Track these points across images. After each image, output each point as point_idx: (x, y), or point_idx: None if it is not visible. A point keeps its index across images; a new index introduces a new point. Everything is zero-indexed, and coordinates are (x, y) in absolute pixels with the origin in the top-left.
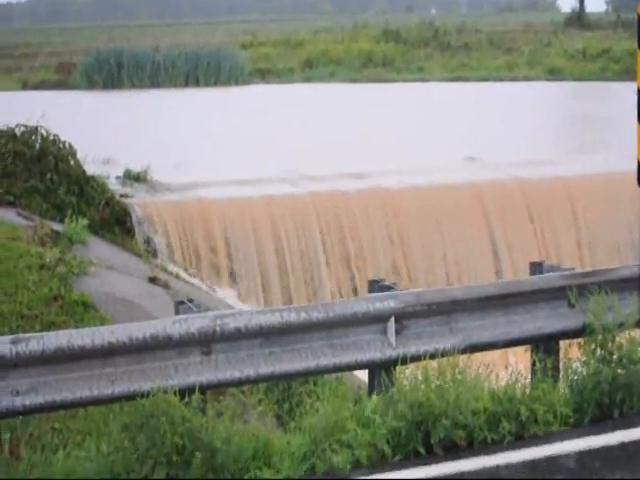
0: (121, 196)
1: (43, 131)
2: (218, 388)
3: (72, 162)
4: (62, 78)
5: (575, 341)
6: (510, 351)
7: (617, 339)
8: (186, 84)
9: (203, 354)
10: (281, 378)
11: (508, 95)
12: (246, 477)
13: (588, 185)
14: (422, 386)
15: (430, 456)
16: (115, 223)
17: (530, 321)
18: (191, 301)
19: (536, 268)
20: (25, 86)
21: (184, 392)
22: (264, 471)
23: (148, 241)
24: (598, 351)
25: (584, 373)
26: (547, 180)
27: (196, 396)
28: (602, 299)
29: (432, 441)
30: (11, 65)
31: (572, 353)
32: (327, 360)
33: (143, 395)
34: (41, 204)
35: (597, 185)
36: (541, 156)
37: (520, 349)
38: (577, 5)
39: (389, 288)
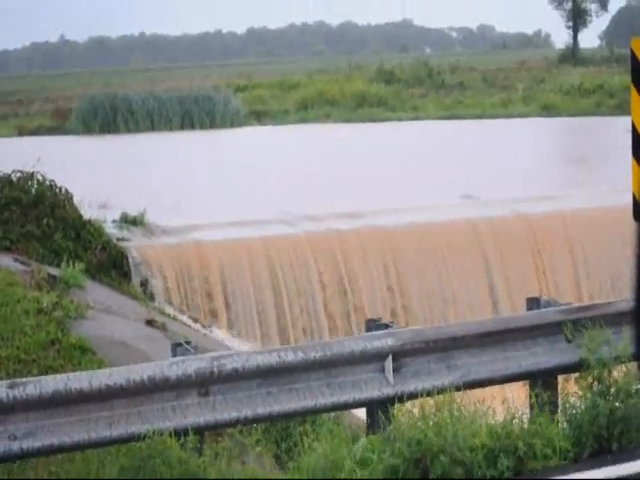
0: (118, 240)
1: (39, 176)
2: (216, 429)
3: (68, 207)
4: (58, 123)
5: (573, 375)
6: (507, 386)
7: (614, 373)
8: (181, 127)
9: (200, 395)
10: (279, 418)
11: (503, 132)
12: None
13: (585, 219)
14: (420, 423)
15: None
16: (112, 267)
17: (528, 356)
18: (188, 343)
19: (533, 303)
20: (21, 132)
21: (182, 434)
22: None
23: (145, 284)
24: (595, 385)
25: (582, 407)
26: (543, 215)
27: (192, 437)
28: (597, 334)
29: (430, 478)
30: (7, 112)
31: (570, 387)
32: (325, 399)
33: (141, 437)
34: (38, 249)
35: (594, 219)
36: (537, 192)
37: (517, 384)
38: (571, 41)
39: (386, 326)
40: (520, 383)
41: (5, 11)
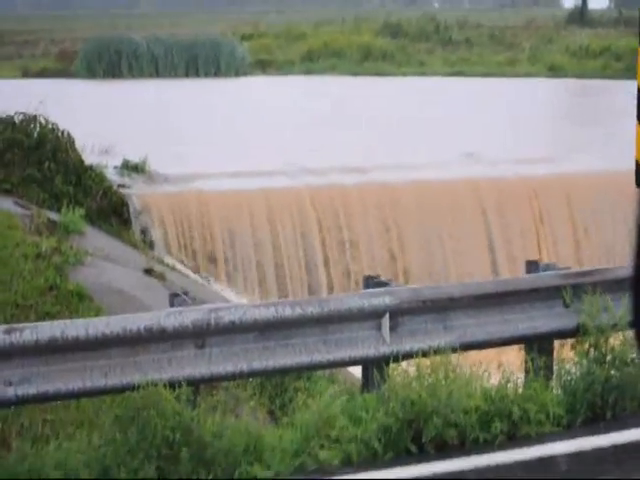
0: (119, 186)
1: (42, 119)
2: (211, 382)
3: (70, 151)
4: (63, 66)
5: (569, 341)
6: (503, 350)
7: (610, 340)
8: (186, 74)
9: (197, 347)
10: (275, 373)
11: (508, 91)
12: (237, 472)
13: (586, 183)
14: (414, 383)
15: (421, 455)
16: (112, 214)
17: (525, 320)
18: (186, 294)
19: (532, 267)
20: (26, 74)
21: (177, 385)
22: (255, 467)
23: (145, 232)
24: (591, 352)
25: (577, 374)
26: (545, 178)
27: (186, 389)
28: (596, 300)
29: (423, 439)
30: (13, 52)
31: (565, 353)
32: (321, 356)
33: (136, 388)
34: (38, 193)
35: (595, 184)
36: (540, 153)
37: (513, 348)
38: (579, 2)
39: (385, 284)
40: (516, 347)
41: None
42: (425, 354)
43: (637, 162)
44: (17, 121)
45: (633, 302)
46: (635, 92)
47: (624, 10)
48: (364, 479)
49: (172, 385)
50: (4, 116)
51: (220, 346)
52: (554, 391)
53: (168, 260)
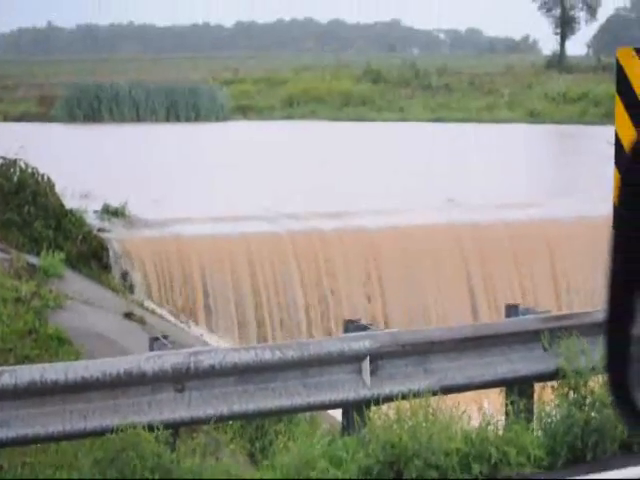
0: (99, 230)
1: (22, 164)
2: (191, 425)
3: (50, 195)
4: (43, 111)
5: (549, 384)
6: (483, 392)
7: (590, 383)
8: (167, 119)
9: (177, 391)
10: (255, 416)
11: (488, 137)
12: None
13: (566, 229)
14: (395, 426)
15: None
16: (92, 257)
17: (505, 363)
18: (166, 337)
19: (512, 310)
20: (6, 118)
21: (157, 428)
22: None
23: (125, 276)
24: (571, 394)
25: (557, 416)
26: (525, 223)
27: (163, 432)
28: (573, 343)
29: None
30: None
31: (546, 396)
32: (301, 399)
33: (115, 430)
34: (18, 237)
35: (574, 229)
36: (520, 198)
37: (494, 391)
38: (558, 48)
39: (365, 328)
40: (496, 390)
41: None
42: (405, 397)
43: (614, 205)
44: None
45: (606, 346)
46: (613, 137)
47: (602, 57)
48: None
49: (152, 428)
50: None
51: (200, 390)
52: (535, 433)
53: (148, 304)
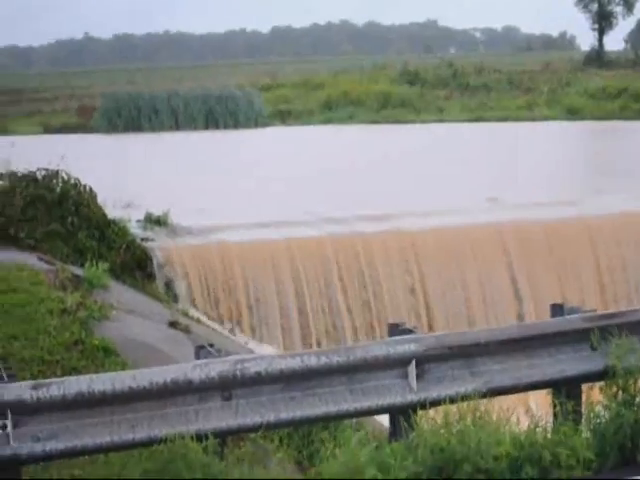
0: (142, 240)
1: (64, 175)
2: (238, 433)
3: (92, 206)
4: (83, 121)
5: (596, 384)
6: (531, 394)
7: (639, 382)
8: (206, 127)
9: (223, 399)
10: (302, 423)
11: (528, 135)
12: None
13: (609, 226)
14: (443, 431)
15: None
16: (136, 267)
17: (552, 364)
18: (212, 346)
19: (557, 310)
20: (46, 130)
21: (204, 437)
22: None
23: (169, 285)
24: (620, 394)
25: (606, 417)
26: (568, 221)
27: (212, 441)
28: (624, 342)
29: None
30: (32, 109)
31: (594, 396)
32: (348, 405)
33: (163, 441)
34: (62, 248)
35: (618, 225)
36: (562, 196)
37: (541, 392)
38: (596, 43)
39: (409, 331)
40: (544, 391)
41: (30, 7)
42: (452, 401)
43: None
44: (39, 177)
45: None
46: None
47: None
48: None
49: (199, 437)
50: (27, 172)
51: (247, 397)
52: (583, 435)
53: (192, 312)
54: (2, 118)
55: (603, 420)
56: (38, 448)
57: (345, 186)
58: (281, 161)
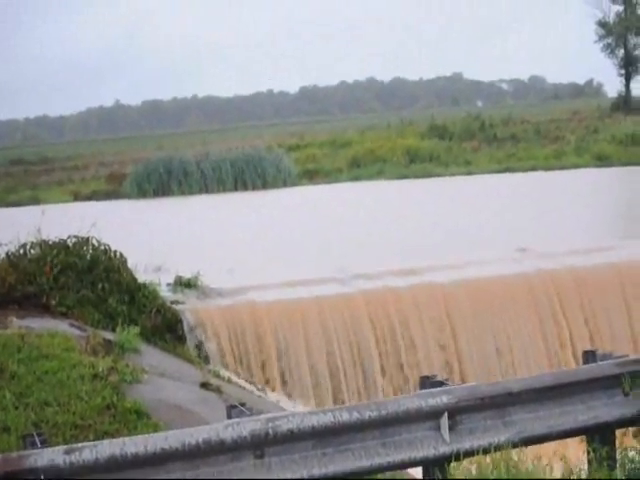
0: (172, 303)
1: (94, 241)
2: None
3: (123, 270)
4: (113, 188)
5: (630, 429)
6: (564, 441)
7: None
8: (235, 188)
9: (256, 457)
10: (335, 479)
11: (557, 184)
12: None
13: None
14: None
15: None
16: (166, 330)
17: (584, 411)
18: (243, 405)
19: (589, 356)
20: (77, 197)
21: None
22: None
23: (199, 346)
24: None
25: None
26: (598, 267)
27: None
28: None
29: None
30: (63, 177)
31: (627, 441)
32: (381, 459)
33: None
34: (93, 314)
35: None
36: (592, 243)
37: (575, 439)
38: (623, 89)
39: (441, 384)
40: (577, 438)
41: (61, 78)
42: (486, 451)
43: None
44: (70, 244)
45: None
46: None
47: None
48: None
49: None
50: (57, 240)
51: (279, 455)
52: None
53: (224, 373)
54: (33, 188)
55: (638, 465)
56: None
57: (375, 241)
58: (308, 219)
